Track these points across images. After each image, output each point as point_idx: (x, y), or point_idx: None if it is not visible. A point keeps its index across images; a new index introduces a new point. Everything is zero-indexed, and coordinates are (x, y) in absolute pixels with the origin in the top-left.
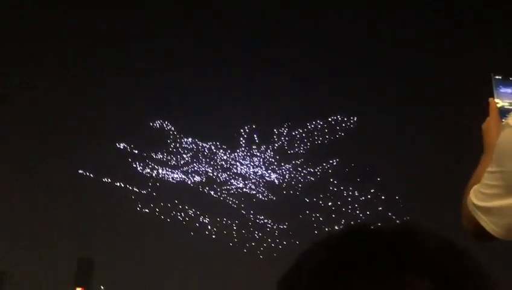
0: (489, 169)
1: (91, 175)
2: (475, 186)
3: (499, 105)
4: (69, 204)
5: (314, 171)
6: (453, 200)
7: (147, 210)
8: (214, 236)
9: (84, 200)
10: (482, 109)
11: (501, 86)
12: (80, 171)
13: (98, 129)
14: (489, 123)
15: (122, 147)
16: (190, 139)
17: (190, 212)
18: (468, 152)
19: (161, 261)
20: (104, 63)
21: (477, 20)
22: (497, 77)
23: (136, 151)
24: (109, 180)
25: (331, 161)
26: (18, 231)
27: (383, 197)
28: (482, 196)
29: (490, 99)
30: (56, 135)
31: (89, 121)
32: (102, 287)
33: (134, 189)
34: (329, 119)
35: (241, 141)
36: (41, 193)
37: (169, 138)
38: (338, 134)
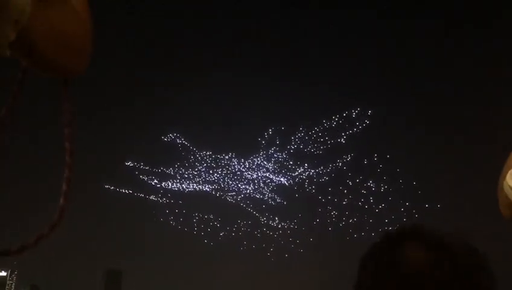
0: None
1: (117, 189)
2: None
3: None
4: (97, 217)
5: (328, 170)
6: (471, 188)
7: (162, 219)
8: (227, 238)
9: (110, 213)
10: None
11: None
12: (107, 186)
13: (112, 146)
14: None
15: (137, 162)
16: (205, 152)
17: (207, 219)
18: (484, 143)
19: (183, 267)
20: (115, 77)
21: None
22: None
23: (148, 166)
24: (130, 191)
25: (344, 157)
26: (48, 245)
27: (402, 187)
28: None
29: None
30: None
31: (103, 135)
32: None
33: (153, 199)
34: (344, 115)
35: (262, 144)
36: (70, 206)
37: (184, 151)
38: (352, 130)
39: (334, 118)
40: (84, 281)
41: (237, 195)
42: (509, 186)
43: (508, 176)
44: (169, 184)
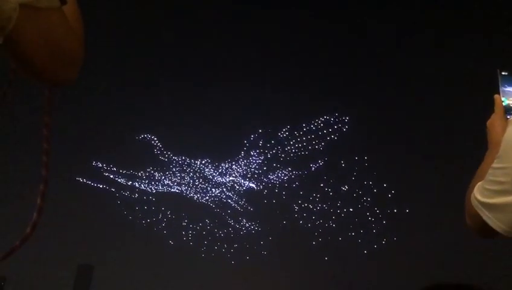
0: (494, 165)
1: (89, 183)
2: (479, 183)
3: (504, 103)
4: (70, 210)
5: (300, 174)
6: (447, 198)
7: (131, 217)
8: (191, 238)
9: (84, 206)
10: (486, 106)
11: (506, 84)
12: (77, 178)
13: (83, 141)
14: (494, 120)
15: (105, 162)
16: (180, 156)
17: (178, 220)
18: (462, 149)
19: (155, 267)
20: (88, 71)
21: (477, 14)
22: (503, 73)
23: (116, 166)
24: (100, 186)
25: (319, 161)
26: (17, 237)
27: (375, 191)
28: (486, 192)
29: (495, 96)
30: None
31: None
32: None
33: (124, 195)
34: (320, 120)
35: (245, 147)
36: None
37: (157, 153)
38: (329, 136)
39: (313, 123)
40: (54, 274)
41: (205, 197)
42: (476, 199)
43: (475, 189)
44: (137, 185)
